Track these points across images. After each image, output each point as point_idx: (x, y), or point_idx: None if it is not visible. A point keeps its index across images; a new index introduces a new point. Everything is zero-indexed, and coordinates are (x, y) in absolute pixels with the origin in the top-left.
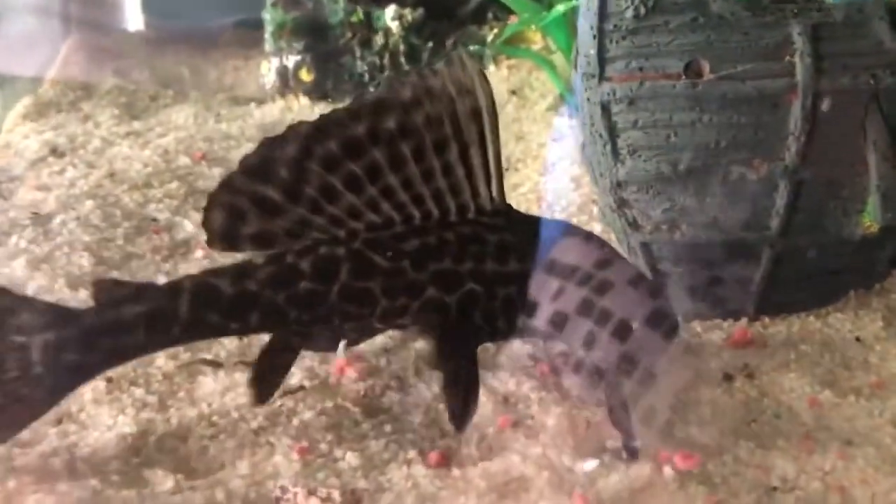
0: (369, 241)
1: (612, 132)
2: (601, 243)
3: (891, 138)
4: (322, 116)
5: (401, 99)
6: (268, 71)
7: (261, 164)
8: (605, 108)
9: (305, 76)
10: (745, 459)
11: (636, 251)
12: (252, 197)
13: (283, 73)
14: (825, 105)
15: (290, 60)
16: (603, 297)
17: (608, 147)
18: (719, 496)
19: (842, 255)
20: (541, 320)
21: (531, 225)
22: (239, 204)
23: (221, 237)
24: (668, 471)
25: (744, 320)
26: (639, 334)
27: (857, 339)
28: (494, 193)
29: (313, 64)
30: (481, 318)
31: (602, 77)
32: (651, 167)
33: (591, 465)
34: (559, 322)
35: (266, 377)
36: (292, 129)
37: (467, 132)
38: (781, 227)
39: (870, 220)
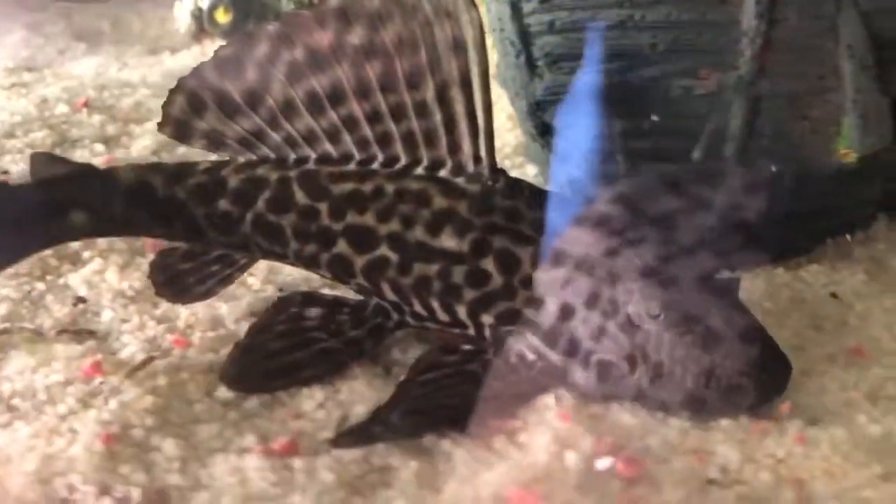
0: (304, 174)
1: (525, 38)
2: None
3: (870, 41)
4: (289, 15)
5: (367, 9)
6: (181, 14)
7: (231, 59)
8: (515, 8)
9: (222, 17)
10: (677, 443)
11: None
12: (215, 92)
13: (197, 15)
14: None
15: (205, 1)
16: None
17: (522, 58)
18: (637, 491)
19: (815, 192)
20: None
21: (521, 199)
22: (202, 96)
23: (175, 125)
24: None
25: None
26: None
27: (833, 295)
28: (481, 152)
29: (231, 3)
30: (391, 292)
31: None
32: (572, 80)
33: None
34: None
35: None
36: (263, 28)
37: (447, 67)
38: (737, 155)
39: (846, 147)
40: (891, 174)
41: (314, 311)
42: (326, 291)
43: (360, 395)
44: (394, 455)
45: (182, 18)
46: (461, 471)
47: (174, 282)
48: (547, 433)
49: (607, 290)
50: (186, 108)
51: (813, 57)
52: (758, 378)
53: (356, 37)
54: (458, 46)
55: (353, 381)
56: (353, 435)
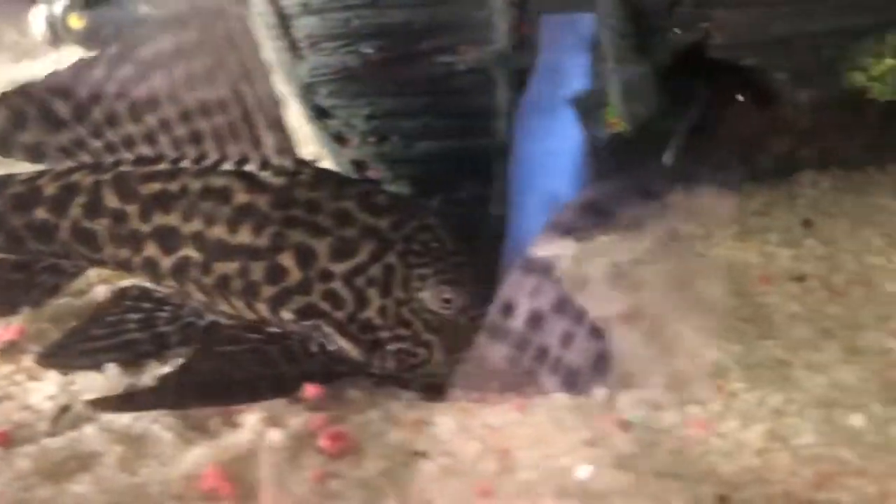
0: (116, 177)
1: (284, 20)
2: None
3: (625, 10)
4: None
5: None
6: (36, 20)
7: (67, 80)
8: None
9: (75, 23)
10: (400, 415)
11: (351, 172)
12: (41, 107)
13: (52, 21)
14: None
15: (58, 6)
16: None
17: (283, 41)
18: (337, 466)
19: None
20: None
21: (324, 189)
22: (25, 111)
23: None
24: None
25: None
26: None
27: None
28: (284, 144)
29: (84, 9)
30: (197, 293)
31: None
32: (335, 61)
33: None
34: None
35: None
36: (104, 52)
37: (231, 63)
38: (509, 129)
39: (614, 117)
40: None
41: (145, 306)
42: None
43: (94, 384)
44: (101, 441)
45: (37, 25)
46: (165, 452)
47: (2, 292)
48: (257, 412)
49: (400, 276)
50: (7, 122)
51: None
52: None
53: (165, 44)
54: (232, 42)
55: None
56: (116, 400)
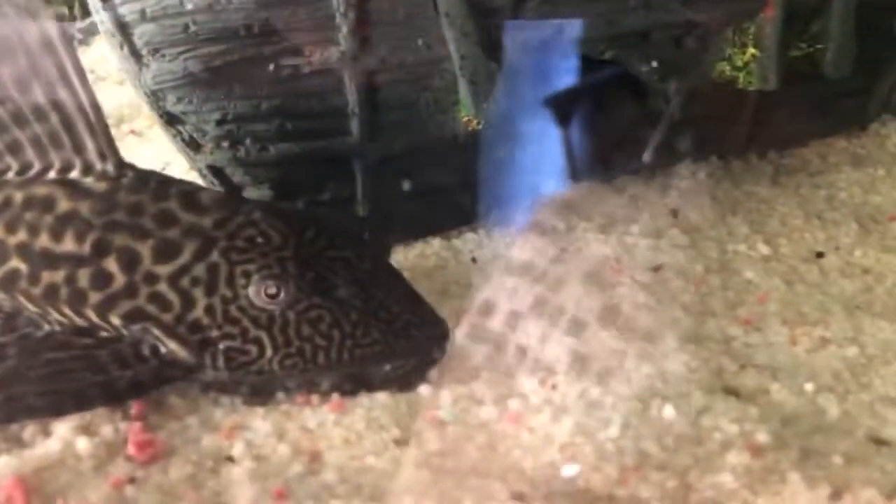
0: None
1: (123, 28)
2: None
3: (467, 8)
4: None
5: None
6: None
7: None
8: None
9: None
10: (218, 421)
11: (209, 178)
12: None
13: None
14: None
15: None
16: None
17: (126, 48)
18: (145, 472)
19: (458, 163)
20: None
21: (146, 192)
22: None
23: None
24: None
25: None
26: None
27: (473, 259)
28: (105, 148)
29: None
30: (28, 303)
31: None
32: (177, 67)
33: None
34: (188, 306)
35: None
36: None
37: (45, 68)
38: (364, 130)
39: (466, 114)
40: None
41: None
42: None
43: None
44: None
45: None
46: None
47: None
48: (71, 421)
49: (224, 274)
50: None
51: (418, 27)
52: (411, 347)
53: None
54: (47, 46)
55: None
56: None
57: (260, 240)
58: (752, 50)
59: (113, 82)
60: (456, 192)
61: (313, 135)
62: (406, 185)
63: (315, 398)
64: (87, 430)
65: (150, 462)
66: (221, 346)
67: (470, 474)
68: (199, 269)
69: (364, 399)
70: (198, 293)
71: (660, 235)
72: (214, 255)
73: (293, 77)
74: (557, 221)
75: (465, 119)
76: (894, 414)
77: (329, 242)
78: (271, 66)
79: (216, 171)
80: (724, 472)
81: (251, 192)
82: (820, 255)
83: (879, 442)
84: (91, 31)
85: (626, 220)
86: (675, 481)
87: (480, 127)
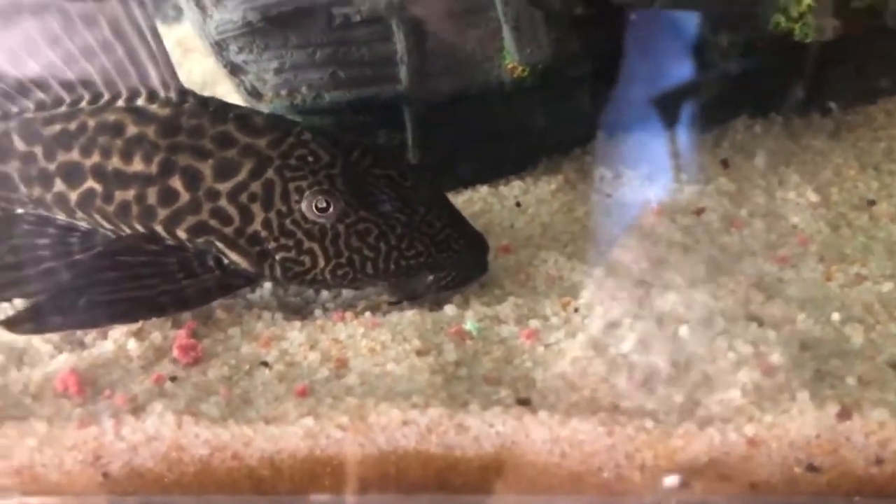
0: (23, 122)
1: None
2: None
3: None
4: None
5: None
6: None
7: None
8: None
9: None
10: (258, 332)
11: None
12: None
13: None
14: None
15: None
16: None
17: (192, 0)
18: (186, 372)
19: (505, 111)
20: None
21: (205, 116)
22: None
23: None
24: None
25: None
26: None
27: (517, 204)
28: (166, 79)
29: None
30: (103, 221)
31: None
32: (238, 17)
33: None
34: (247, 219)
35: None
36: None
37: (112, 5)
38: (412, 77)
39: (511, 62)
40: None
41: (49, 231)
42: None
43: None
44: None
45: None
46: (39, 359)
47: None
48: (122, 327)
49: (279, 190)
50: None
51: None
52: (452, 259)
53: None
54: None
55: None
56: (29, 321)
57: (310, 158)
58: (807, 0)
59: (201, 55)
60: (504, 139)
61: (364, 82)
62: (453, 133)
63: (349, 315)
64: (138, 335)
65: (192, 364)
66: (278, 256)
67: (481, 381)
68: (256, 186)
69: (393, 316)
70: (255, 208)
71: (707, 182)
72: (269, 173)
73: (344, 26)
74: (605, 170)
75: (510, 66)
76: None
77: (374, 161)
78: (325, 15)
79: None
80: (734, 388)
81: None
82: (871, 202)
83: None
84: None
85: (674, 169)
86: (682, 396)
87: (525, 74)
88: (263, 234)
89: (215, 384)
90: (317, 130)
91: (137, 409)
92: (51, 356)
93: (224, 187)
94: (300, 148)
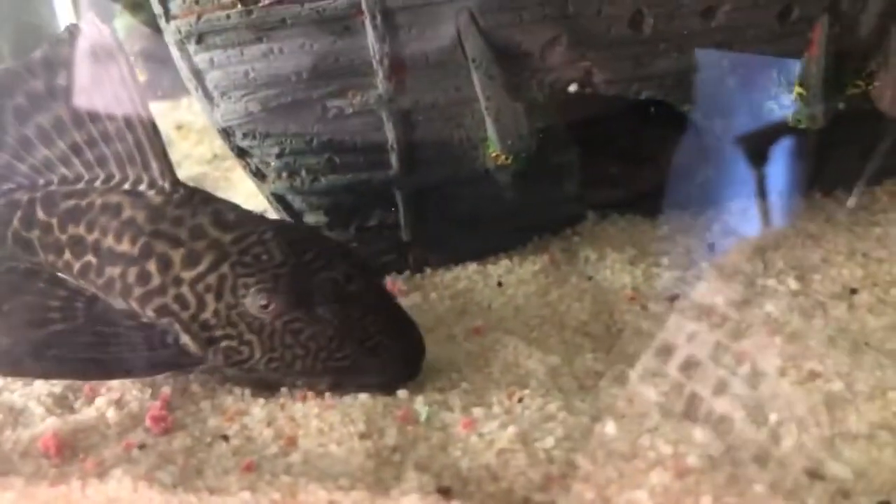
0: (45, 195)
1: (198, 74)
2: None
3: (492, 54)
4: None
5: (64, 58)
6: None
7: None
8: (182, 48)
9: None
10: (227, 407)
11: (274, 204)
12: None
13: None
14: (403, 21)
15: None
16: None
17: (200, 91)
18: (156, 441)
19: (494, 196)
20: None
21: (188, 207)
22: None
23: None
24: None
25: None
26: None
27: (499, 283)
28: (163, 169)
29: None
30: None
31: (168, 15)
32: (241, 108)
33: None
34: (201, 307)
35: None
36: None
37: (123, 99)
38: (403, 164)
39: (495, 151)
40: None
41: (60, 293)
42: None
43: None
44: None
45: None
46: (32, 420)
47: None
48: (105, 395)
49: (230, 284)
50: None
51: (449, 71)
52: (379, 365)
53: (62, 79)
54: (124, 81)
55: None
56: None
57: (264, 257)
58: (798, 89)
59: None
60: (492, 220)
61: (358, 167)
62: (443, 214)
63: (310, 394)
64: (119, 403)
65: (162, 434)
66: (222, 344)
67: (410, 467)
68: (212, 278)
69: (349, 398)
70: (209, 298)
71: (688, 268)
72: (225, 267)
73: (339, 116)
74: (590, 252)
75: (494, 154)
76: (850, 450)
77: (324, 263)
78: (320, 107)
79: (279, 198)
80: (643, 489)
81: (308, 218)
82: (853, 291)
83: (815, 476)
84: None
85: (658, 253)
86: (592, 493)
87: (509, 162)
88: (213, 321)
89: (176, 454)
90: (285, 229)
91: (103, 473)
92: (42, 418)
93: (187, 275)
94: (257, 246)
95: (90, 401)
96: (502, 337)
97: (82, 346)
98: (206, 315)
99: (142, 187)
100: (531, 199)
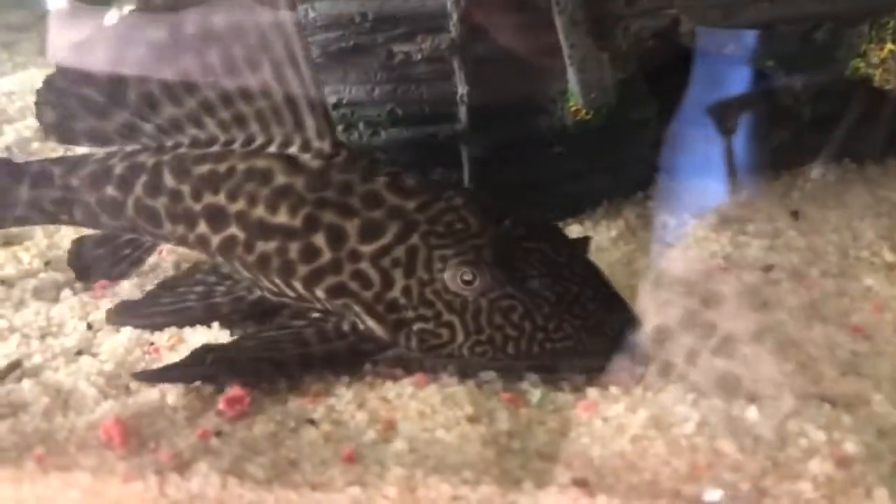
0: (174, 158)
1: None
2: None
3: None
4: (123, 19)
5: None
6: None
7: (75, 65)
8: None
9: None
10: (305, 387)
11: None
12: (77, 97)
13: None
14: None
15: (126, 8)
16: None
17: None
18: (232, 427)
19: (568, 153)
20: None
21: (356, 172)
22: (65, 102)
23: (55, 131)
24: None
25: None
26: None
27: None
28: (322, 128)
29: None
30: (242, 269)
31: None
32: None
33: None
34: (387, 286)
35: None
36: (100, 31)
37: (277, 50)
38: (472, 118)
39: (575, 104)
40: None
41: (210, 279)
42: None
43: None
44: (34, 393)
45: None
46: (84, 405)
47: (91, 266)
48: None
49: (423, 257)
50: (56, 116)
51: (526, 15)
52: (603, 345)
53: (191, 26)
54: (280, 31)
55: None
56: (155, 372)
57: (459, 226)
58: (890, 46)
59: None
60: (563, 182)
61: (422, 121)
62: (511, 175)
63: (399, 372)
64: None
65: (238, 418)
66: (415, 327)
67: (535, 456)
68: (400, 251)
69: (443, 376)
70: (397, 274)
71: (776, 236)
72: (415, 238)
73: (405, 63)
74: (669, 217)
75: (574, 108)
76: None
77: (526, 233)
78: (384, 53)
79: None
80: (804, 479)
81: None
82: None
83: None
84: None
85: (742, 220)
86: (748, 484)
87: (589, 117)
88: (403, 301)
89: (262, 442)
90: (470, 195)
91: (182, 466)
92: (96, 401)
93: (367, 249)
94: (449, 214)
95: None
96: None
97: (249, 349)
98: (395, 294)
99: (292, 149)
100: (606, 159)
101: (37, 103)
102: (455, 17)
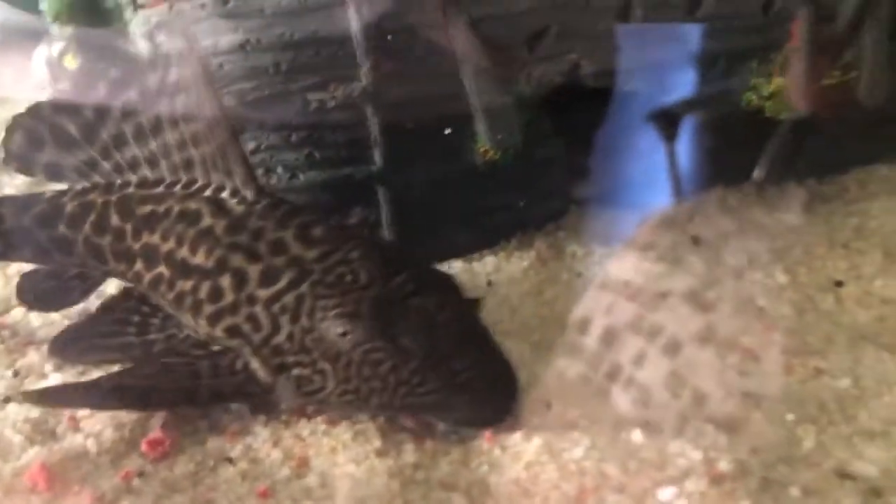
0: (121, 198)
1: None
2: None
3: (482, 46)
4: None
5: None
6: (37, 62)
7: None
8: (152, 40)
9: (71, 62)
10: (224, 426)
11: None
12: (53, 128)
13: (51, 62)
14: (385, 7)
15: (56, 47)
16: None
17: None
18: (153, 468)
19: (481, 190)
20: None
21: (271, 219)
22: (39, 131)
23: (17, 159)
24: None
25: None
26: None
27: (489, 283)
28: (248, 176)
29: (78, 49)
30: (167, 306)
31: (136, 4)
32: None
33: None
34: (275, 330)
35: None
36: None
37: (203, 102)
38: (386, 160)
39: (483, 145)
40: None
41: (144, 309)
42: None
43: None
44: None
45: (38, 66)
46: (11, 450)
47: (40, 298)
48: (96, 418)
49: (307, 306)
50: (25, 143)
51: (435, 64)
52: (468, 403)
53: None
54: (206, 81)
55: None
56: (42, 394)
57: (349, 278)
58: (777, 80)
59: None
60: (477, 216)
61: (339, 163)
62: (427, 211)
63: (312, 411)
64: (111, 426)
65: (160, 459)
66: (294, 371)
67: (437, 486)
68: (289, 298)
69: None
70: (284, 320)
71: (676, 262)
72: (304, 287)
73: (320, 110)
74: (576, 247)
75: (483, 150)
76: (870, 448)
77: (415, 289)
78: (301, 101)
79: None
80: (680, 498)
81: None
82: (839, 283)
83: (844, 476)
84: None
85: (645, 247)
86: (630, 503)
87: (497, 157)
88: (286, 346)
89: (182, 481)
90: (372, 248)
91: None
92: (22, 448)
93: (263, 294)
94: (342, 266)
95: (75, 426)
96: (503, 341)
97: (143, 376)
98: (280, 339)
99: (224, 194)
100: (517, 194)
101: (8, 129)
102: (366, 66)
